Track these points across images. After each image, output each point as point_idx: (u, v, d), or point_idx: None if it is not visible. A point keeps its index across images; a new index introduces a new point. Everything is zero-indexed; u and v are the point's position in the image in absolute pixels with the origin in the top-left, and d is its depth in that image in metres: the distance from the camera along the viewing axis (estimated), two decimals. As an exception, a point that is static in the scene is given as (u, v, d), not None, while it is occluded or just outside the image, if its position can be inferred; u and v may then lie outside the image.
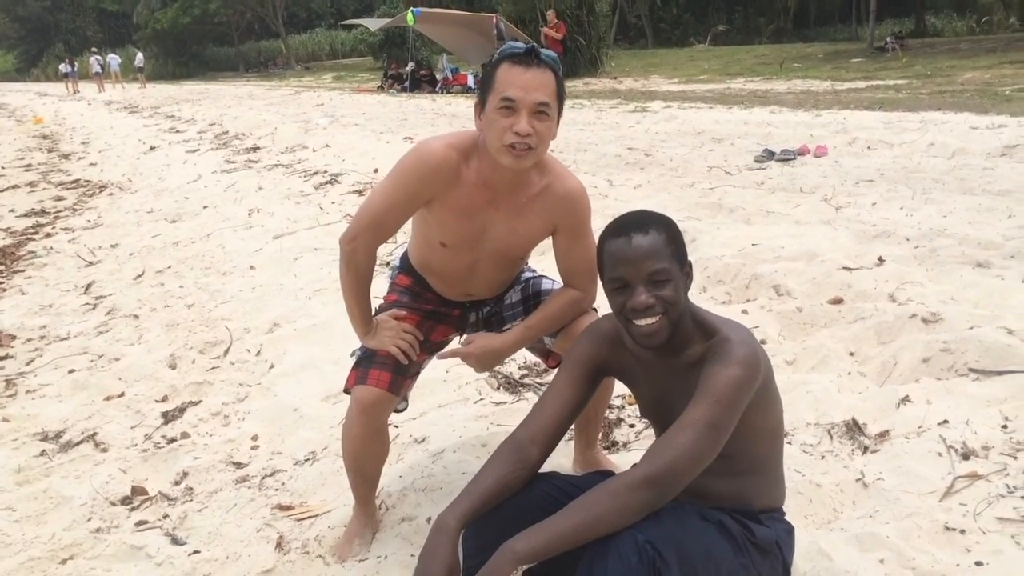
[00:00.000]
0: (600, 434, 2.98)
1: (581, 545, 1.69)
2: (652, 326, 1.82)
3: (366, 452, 2.46)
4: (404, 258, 2.62)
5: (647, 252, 1.79)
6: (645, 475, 1.71)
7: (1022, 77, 13.87)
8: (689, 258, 1.89)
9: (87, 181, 11.10)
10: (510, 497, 1.90)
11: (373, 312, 2.48)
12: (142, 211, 8.50)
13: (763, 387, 1.84)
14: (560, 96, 2.15)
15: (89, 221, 8.32)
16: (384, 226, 2.32)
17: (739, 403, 1.76)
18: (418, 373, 2.53)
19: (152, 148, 13.77)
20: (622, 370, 2.05)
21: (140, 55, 39.78)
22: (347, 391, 2.44)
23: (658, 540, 1.69)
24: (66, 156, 14.46)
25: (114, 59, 39.55)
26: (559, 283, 2.50)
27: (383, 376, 2.37)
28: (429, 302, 2.53)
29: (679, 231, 1.88)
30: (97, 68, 36.87)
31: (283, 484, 3.00)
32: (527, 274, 2.62)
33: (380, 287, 2.68)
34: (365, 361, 2.41)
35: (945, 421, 2.71)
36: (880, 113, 10.73)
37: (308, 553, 2.53)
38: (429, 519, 2.52)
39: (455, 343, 2.58)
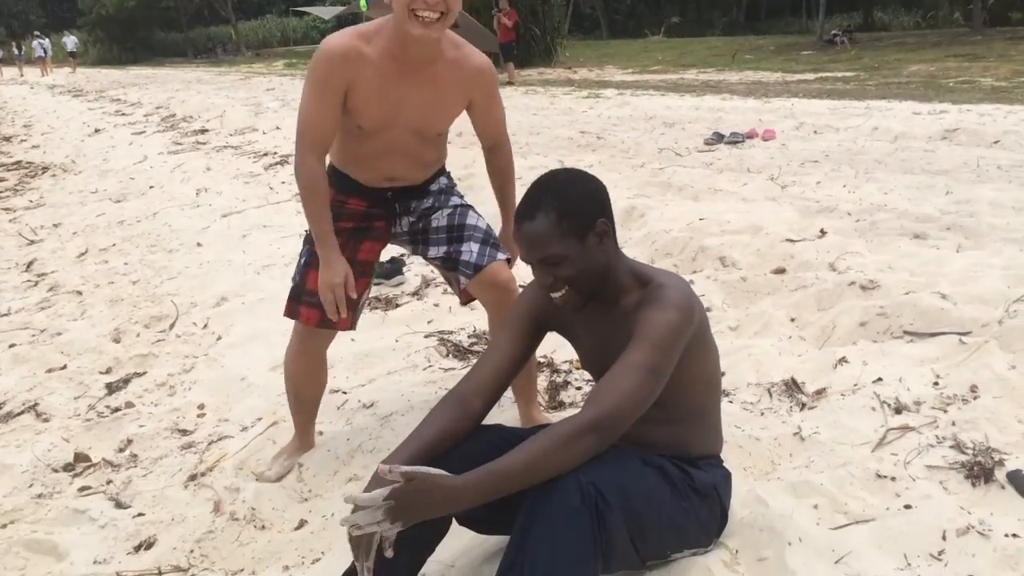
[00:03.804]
0: (547, 395, 3.03)
1: (524, 488, 1.69)
2: (561, 298, 1.88)
3: (305, 377, 2.73)
4: (329, 166, 2.63)
5: (534, 240, 1.81)
6: (588, 419, 1.71)
7: (965, 70, 14.24)
8: (611, 217, 1.87)
9: (29, 163, 10.81)
10: (454, 447, 1.89)
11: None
12: (86, 191, 8.33)
13: (699, 334, 1.87)
14: None
15: (31, 201, 8.13)
16: (321, 131, 2.37)
17: (676, 346, 1.79)
18: (359, 304, 2.62)
19: (97, 131, 13.47)
20: (562, 323, 2.07)
21: (72, 39, 38.62)
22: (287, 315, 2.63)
23: (601, 483, 1.70)
24: (7, 139, 14.07)
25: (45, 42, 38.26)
26: (484, 218, 2.65)
27: (312, 315, 2.55)
28: (351, 218, 2.56)
29: (583, 195, 1.83)
30: (40, 52, 35.94)
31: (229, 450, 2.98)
32: (455, 199, 2.68)
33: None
34: (296, 293, 2.58)
35: (879, 379, 2.78)
36: (827, 101, 10.94)
37: (241, 518, 2.52)
38: (375, 477, 2.52)
39: None
